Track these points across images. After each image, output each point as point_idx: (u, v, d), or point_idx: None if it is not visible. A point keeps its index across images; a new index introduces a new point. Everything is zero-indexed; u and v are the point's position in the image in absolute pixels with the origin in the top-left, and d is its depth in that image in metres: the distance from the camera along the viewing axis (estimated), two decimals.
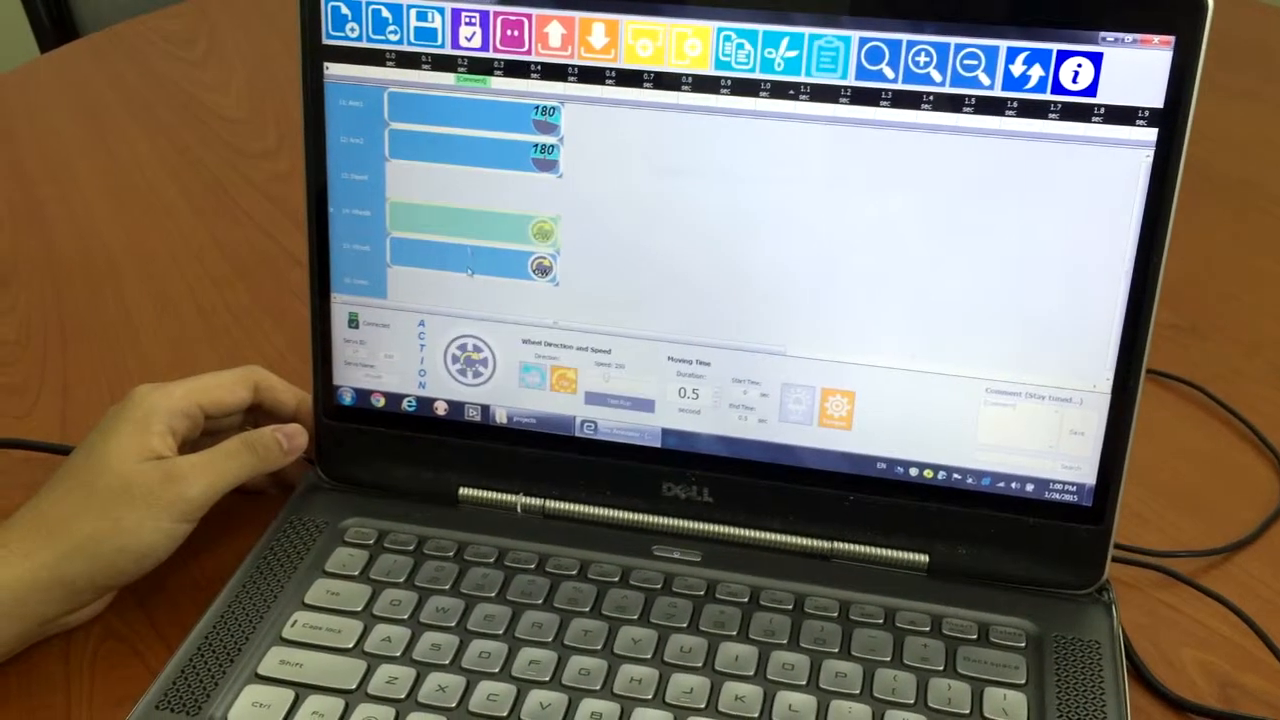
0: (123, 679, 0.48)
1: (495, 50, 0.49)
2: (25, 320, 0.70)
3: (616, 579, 0.50)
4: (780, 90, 0.47)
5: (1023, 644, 0.47)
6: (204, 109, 0.96)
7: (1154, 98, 0.44)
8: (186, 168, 0.87)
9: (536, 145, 0.49)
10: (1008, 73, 0.45)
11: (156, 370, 0.66)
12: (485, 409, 0.53)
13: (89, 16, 1.39)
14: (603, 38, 0.47)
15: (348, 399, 0.54)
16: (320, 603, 0.49)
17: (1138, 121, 0.44)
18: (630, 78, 0.48)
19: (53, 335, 0.69)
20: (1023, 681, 0.46)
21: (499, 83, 0.49)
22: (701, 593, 0.49)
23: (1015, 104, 0.45)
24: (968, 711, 0.44)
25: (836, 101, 0.46)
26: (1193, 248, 0.74)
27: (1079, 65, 0.44)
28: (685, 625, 0.48)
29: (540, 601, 0.49)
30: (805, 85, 0.46)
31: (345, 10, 0.49)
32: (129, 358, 0.67)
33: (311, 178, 0.52)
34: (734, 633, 0.47)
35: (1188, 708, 0.47)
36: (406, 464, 0.54)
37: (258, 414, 0.55)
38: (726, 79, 0.47)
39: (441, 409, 0.54)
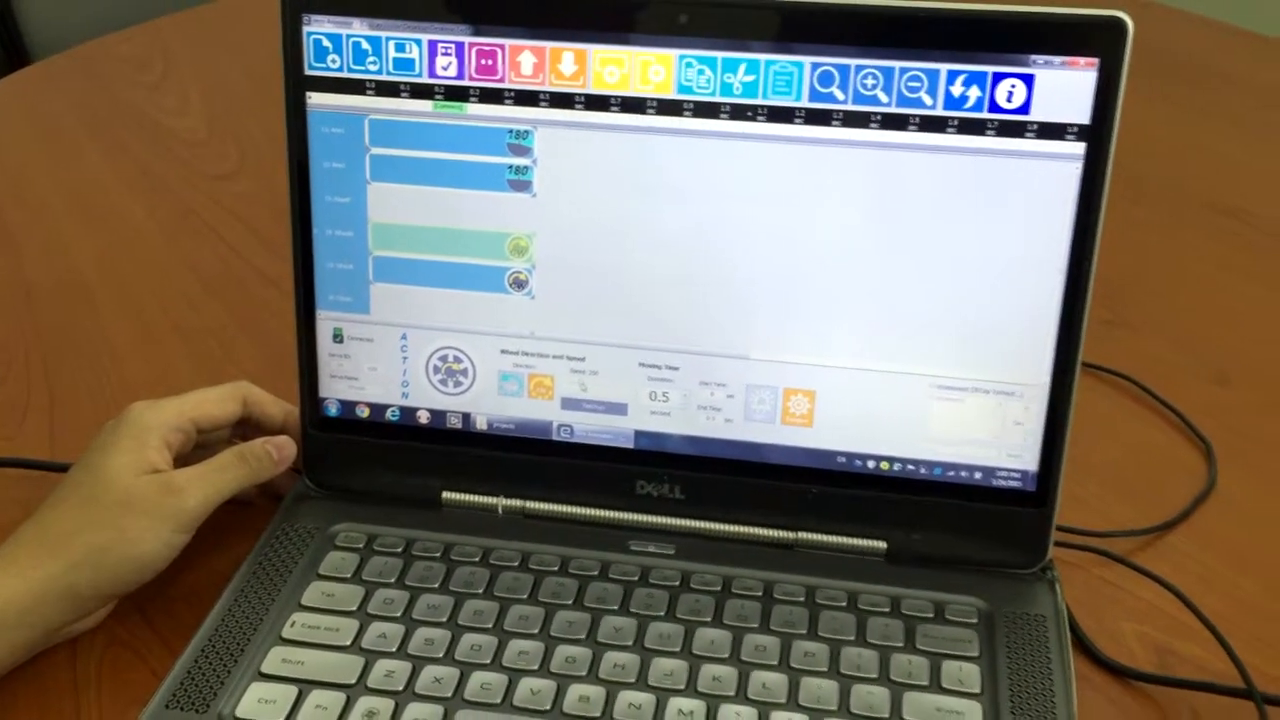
0: (129, 682, 0.50)
1: (470, 78, 0.52)
2: (4, 343, 0.72)
3: (596, 573, 0.53)
4: (739, 112, 0.50)
5: (975, 620, 0.51)
6: (164, 131, 0.97)
7: (1081, 114, 0.48)
8: (152, 189, 0.89)
9: (511, 167, 0.52)
10: (948, 93, 0.49)
11: (139, 388, 0.68)
12: (466, 416, 0.56)
13: (40, 41, 1.40)
14: (572, 65, 0.51)
15: (333, 410, 0.57)
16: (316, 604, 0.51)
17: (1067, 136, 0.48)
18: (598, 102, 0.51)
19: (33, 356, 0.71)
20: (976, 654, 0.49)
21: (474, 109, 0.52)
22: (676, 583, 0.52)
23: (955, 122, 0.49)
24: (927, 683, 0.48)
25: (791, 122, 0.50)
26: (1125, 249, 0.79)
27: (1013, 86, 0.48)
28: (663, 614, 0.51)
29: (525, 596, 0.52)
30: (762, 107, 0.50)
31: (326, 43, 0.52)
32: (111, 376, 0.69)
33: (296, 201, 0.54)
34: (708, 619, 0.51)
35: (1127, 674, 0.51)
36: (392, 471, 0.57)
37: (246, 428, 0.58)
38: (689, 102, 0.50)
39: (424, 418, 0.56)
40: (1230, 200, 0.88)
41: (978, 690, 0.48)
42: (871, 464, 0.54)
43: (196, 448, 0.56)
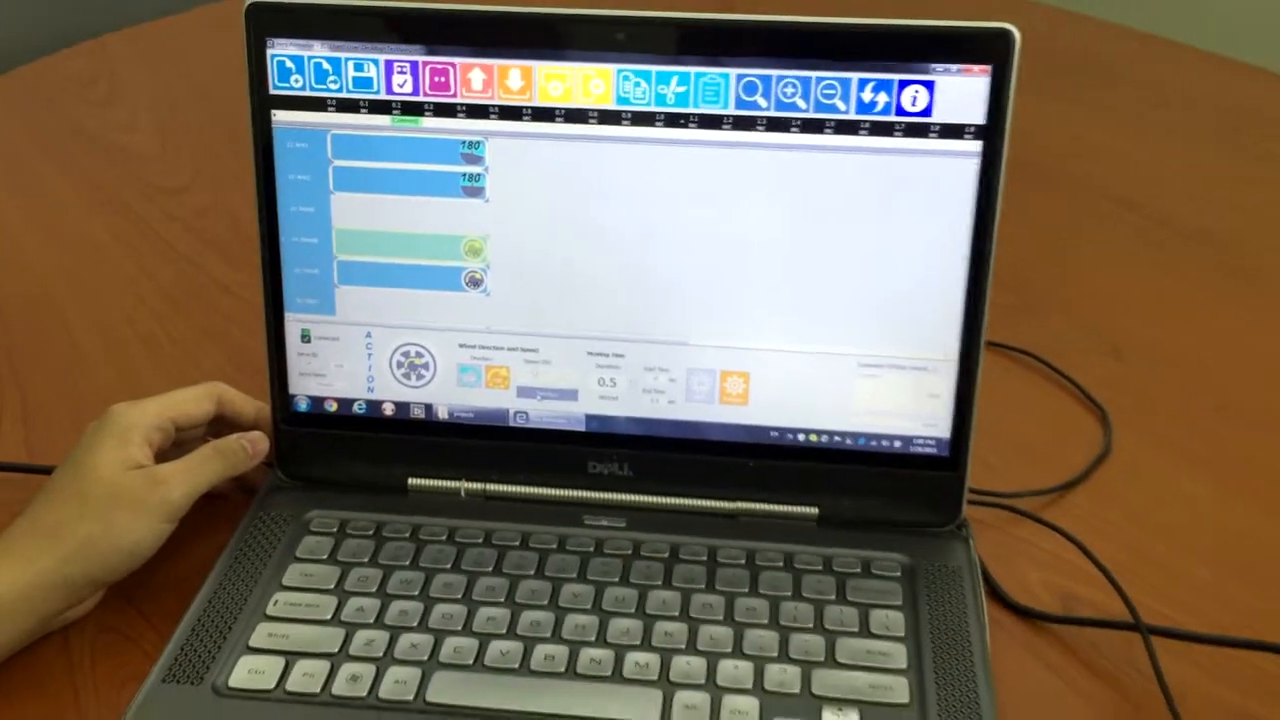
0: (121, 664, 0.54)
1: (425, 94, 0.56)
2: None
3: (555, 546, 0.58)
4: (672, 120, 0.55)
5: (899, 574, 0.56)
6: (116, 148, 1.00)
7: (977, 115, 0.54)
8: (108, 204, 0.92)
9: (465, 175, 0.57)
10: (859, 99, 0.54)
11: (110, 395, 0.70)
12: (428, 407, 0.60)
13: None
14: (519, 80, 0.55)
15: (303, 406, 0.61)
16: (297, 584, 0.55)
17: (965, 135, 0.54)
18: (544, 114, 0.56)
19: (3, 368, 0.74)
20: (900, 603, 0.55)
21: (429, 122, 0.56)
22: (629, 552, 0.57)
23: (867, 125, 0.54)
24: (857, 630, 0.53)
25: (720, 128, 0.55)
26: (1027, 237, 0.85)
27: (917, 92, 0.54)
28: (617, 579, 0.56)
29: (490, 569, 0.56)
30: (693, 115, 0.55)
31: (290, 64, 0.56)
32: (82, 384, 0.72)
33: (263, 211, 0.58)
34: (659, 582, 0.56)
35: (1033, 615, 0.57)
36: (360, 460, 0.61)
37: (220, 425, 0.61)
38: (627, 112, 0.55)
39: (389, 409, 0.61)
40: (1122, 190, 0.95)
41: (902, 634, 0.53)
42: (802, 437, 0.59)
43: (174, 445, 0.60)
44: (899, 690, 0.50)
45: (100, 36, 1.22)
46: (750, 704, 0.50)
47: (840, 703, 0.50)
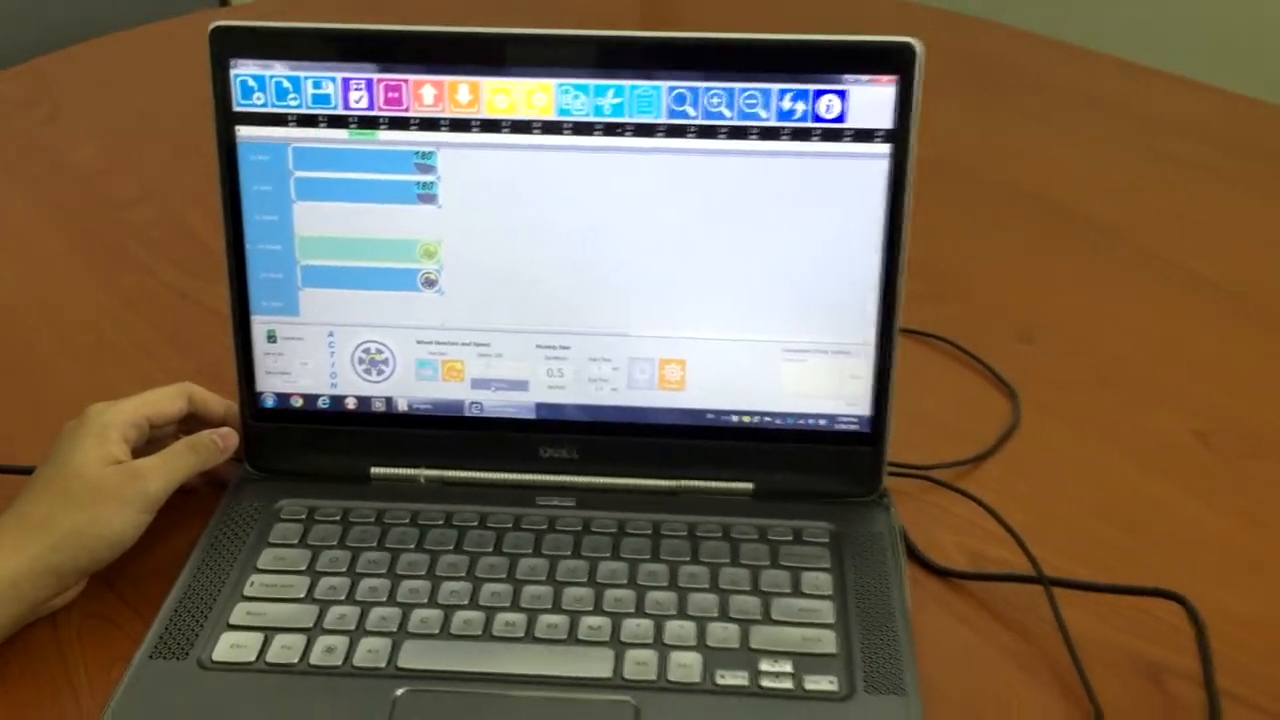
0: (108, 646, 0.57)
1: (380, 109, 0.60)
2: None
3: (511, 525, 0.62)
4: (610, 130, 0.60)
5: (826, 540, 0.62)
6: (66, 165, 1.03)
7: (887, 121, 0.59)
8: (63, 219, 0.95)
9: (418, 183, 0.61)
10: (780, 108, 0.59)
11: (79, 400, 0.74)
12: (389, 400, 0.65)
13: None
14: (467, 95, 0.60)
15: (270, 403, 0.65)
16: (271, 566, 0.60)
17: (876, 139, 0.59)
18: (492, 125, 0.60)
19: None
20: (828, 566, 0.60)
21: (385, 135, 0.61)
22: (579, 529, 0.62)
23: (787, 131, 0.60)
24: (790, 591, 0.59)
25: (653, 136, 0.60)
26: (944, 232, 0.91)
27: (831, 100, 0.59)
28: (569, 553, 0.60)
29: (452, 548, 0.61)
30: (629, 124, 0.60)
31: (252, 83, 0.60)
32: (48, 390, 0.76)
33: (228, 220, 0.62)
34: (608, 554, 0.60)
35: (948, 574, 0.62)
36: (325, 452, 0.65)
37: (191, 423, 0.65)
38: (568, 123, 0.60)
39: (352, 404, 0.65)
40: (1032, 187, 1.01)
41: (830, 593, 0.58)
42: (736, 418, 0.64)
43: (148, 442, 0.63)
44: (827, 642, 0.56)
45: (33, 60, 1.24)
46: (694, 659, 0.55)
47: (775, 655, 0.55)
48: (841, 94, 0.59)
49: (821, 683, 0.54)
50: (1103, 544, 0.64)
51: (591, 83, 0.59)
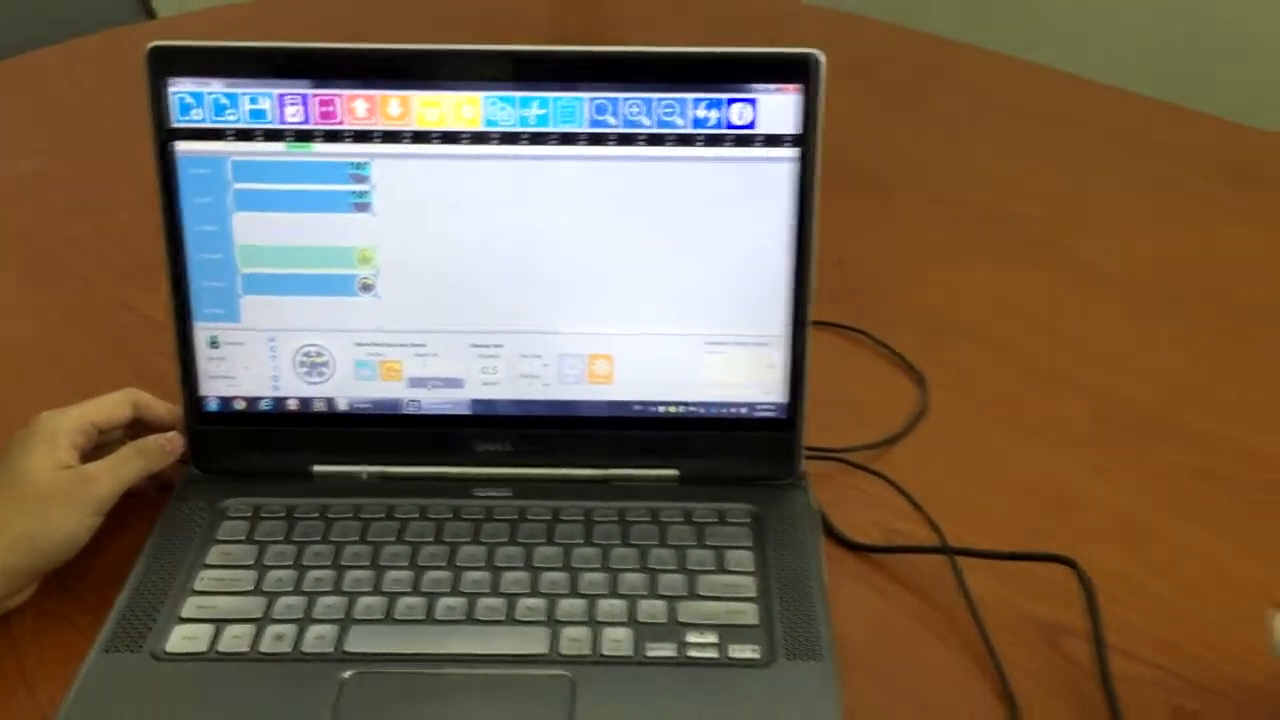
0: (62, 643, 0.59)
1: (315, 123, 0.63)
2: None
3: (450, 516, 0.65)
4: (535, 139, 0.63)
5: (749, 521, 0.66)
6: (2, 180, 1.04)
7: (793, 127, 0.63)
8: (2, 235, 0.96)
9: (353, 193, 0.64)
10: (694, 116, 0.63)
11: (24, 411, 0.75)
12: (329, 401, 0.68)
13: None
14: (399, 108, 0.63)
15: (214, 406, 0.67)
16: (219, 562, 0.62)
17: (784, 144, 0.64)
18: (422, 137, 0.63)
19: None
20: (750, 545, 0.64)
21: (320, 147, 0.64)
22: (515, 517, 0.65)
23: (701, 137, 0.64)
24: (714, 568, 0.62)
25: (576, 144, 0.64)
26: (858, 229, 0.96)
27: (742, 109, 0.63)
28: (506, 540, 0.64)
29: (394, 539, 0.64)
30: (553, 133, 0.63)
31: (190, 99, 0.63)
32: None
33: (169, 232, 0.64)
34: (543, 540, 0.64)
35: (862, 548, 0.66)
36: (269, 453, 0.68)
37: (137, 427, 0.68)
38: (495, 133, 0.63)
39: (293, 405, 0.68)
40: (940, 185, 1.06)
41: (752, 570, 0.62)
42: (662, 409, 0.68)
43: (96, 447, 0.66)
44: (749, 614, 0.60)
45: None
46: (625, 634, 0.58)
47: (701, 627, 0.59)
48: (751, 102, 0.63)
49: (745, 651, 0.58)
50: (1004, 517, 0.69)
51: (517, 94, 0.63)
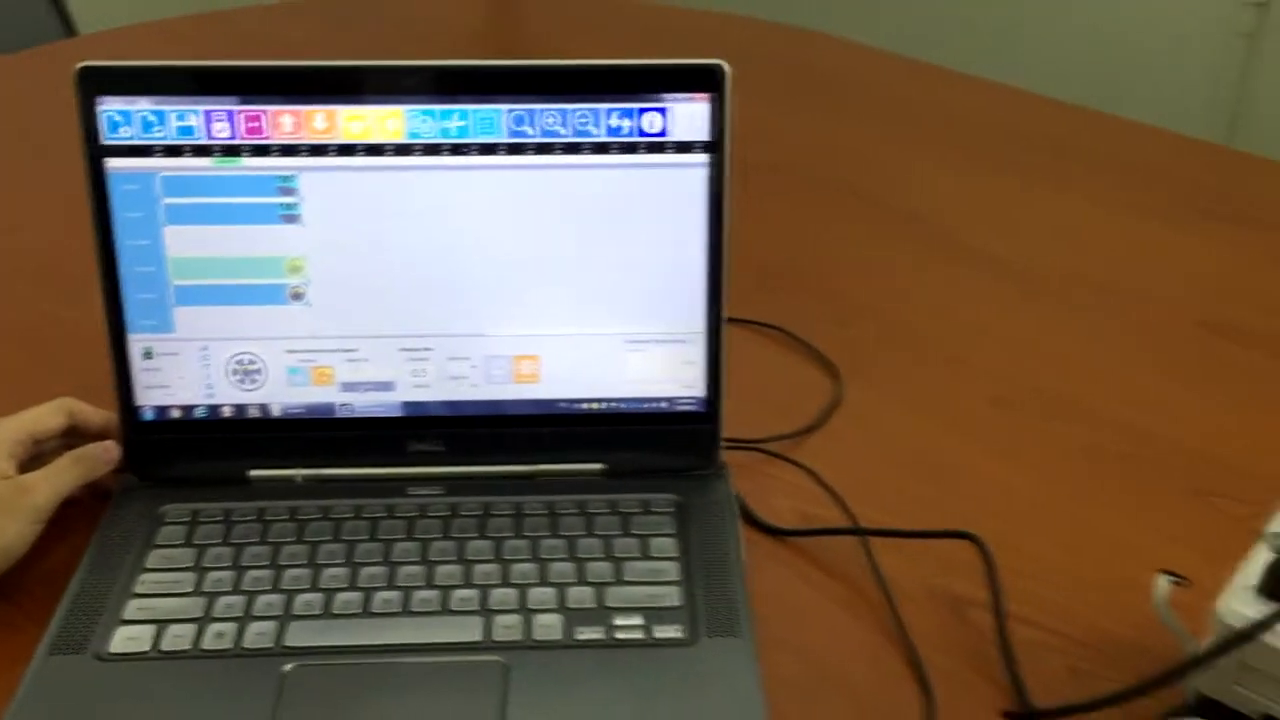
0: (5, 649, 0.61)
1: (242, 138, 0.65)
2: None
3: (384, 514, 0.68)
4: (457, 150, 0.66)
5: (672, 510, 0.69)
6: None
7: (704, 134, 0.67)
8: None
9: (281, 205, 0.66)
10: (609, 125, 0.66)
11: None
12: (263, 407, 0.70)
13: None
14: (324, 122, 0.65)
15: (149, 415, 0.69)
16: (159, 565, 0.64)
17: (695, 150, 0.67)
18: (348, 150, 0.66)
19: None
20: (673, 532, 0.67)
21: (248, 162, 0.66)
22: (448, 514, 0.68)
23: (616, 145, 0.67)
24: (639, 555, 0.65)
25: (497, 154, 0.66)
26: (774, 229, 1.00)
27: (654, 117, 0.66)
28: (440, 535, 0.66)
29: (330, 538, 0.66)
30: (473, 144, 0.66)
31: (119, 118, 0.65)
32: None
33: (101, 246, 0.66)
34: (475, 534, 0.66)
35: (781, 532, 0.70)
36: (204, 459, 0.70)
37: (72, 436, 0.69)
38: (418, 145, 0.66)
39: (228, 412, 0.70)
40: (854, 185, 1.11)
41: (675, 556, 0.66)
42: (587, 406, 0.71)
43: (32, 458, 0.67)
44: (673, 597, 0.63)
45: None
46: (555, 619, 0.61)
47: (627, 610, 0.62)
48: (663, 111, 0.66)
49: (669, 631, 0.61)
50: (914, 499, 0.73)
51: (438, 108, 0.65)
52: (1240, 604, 0.50)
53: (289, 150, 0.66)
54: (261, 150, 0.66)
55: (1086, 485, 0.74)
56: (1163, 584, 0.54)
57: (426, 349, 0.69)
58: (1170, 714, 0.54)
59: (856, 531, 0.68)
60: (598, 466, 0.71)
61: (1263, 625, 0.49)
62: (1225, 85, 2.23)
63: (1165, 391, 0.83)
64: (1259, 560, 0.52)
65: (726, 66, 0.66)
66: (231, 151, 0.66)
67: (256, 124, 0.65)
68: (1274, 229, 1.05)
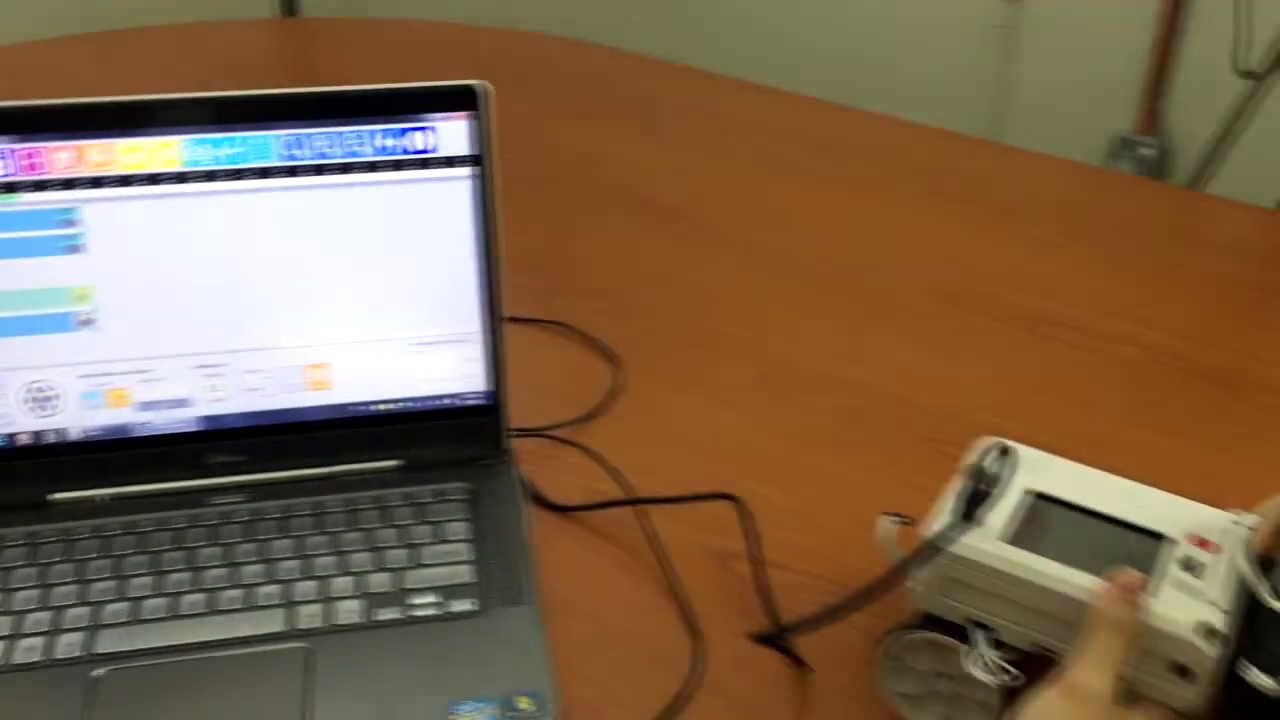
0: None
1: (19, 175, 0.68)
2: None
3: (187, 525, 0.71)
4: (232, 175, 0.70)
5: (465, 497, 0.74)
6: None
7: (468, 149, 0.73)
8: None
9: (64, 236, 0.69)
10: (378, 145, 0.72)
11: None
12: (61, 431, 0.72)
13: None
14: (101, 155, 0.69)
15: None
16: None
17: (462, 164, 0.73)
18: (127, 180, 0.69)
19: None
20: (466, 517, 0.73)
21: (27, 197, 0.68)
22: (251, 519, 0.72)
23: (387, 164, 0.72)
24: (434, 540, 0.71)
25: (273, 177, 0.71)
26: (554, 232, 1.06)
27: (423, 136, 0.72)
28: (243, 539, 0.70)
29: (134, 550, 0.69)
30: (249, 169, 0.70)
31: None
32: None
33: None
34: (277, 535, 0.71)
35: (566, 509, 0.76)
36: (7, 486, 0.72)
37: None
38: (195, 172, 0.70)
39: (25, 439, 0.72)
40: (630, 187, 1.18)
41: (469, 538, 0.71)
42: (379, 407, 0.76)
43: None
44: (466, 574, 0.69)
45: None
46: (356, 605, 0.66)
47: (424, 590, 0.67)
48: (430, 129, 0.72)
49: (463, 605, 0.67)
50: (687, 470, 0.81)
51: (212, 136, 0.69)
52: (939, 525, 0.59)
53: (69, 184, 0.69)
54: (41, 185, 0.68)
55: (832, 444, 0.83)
56: (885, 524, 0.63)
57: (220, 364, 0.73)
58: (897, 628, 0.62)
59: (631, 502, 0.75)
60: (394, 463, 0.76)
61: (945, 536, 0.58)
62: (984, 76, 2.42)
63: (900, 355, 0.93)
64: (955, 488, 0.61)
65: (486, 86, 0.72)
66: (10, 189, 0.68)
67: (35, 160, 0.68)
68: (999, 208, 1.17)
